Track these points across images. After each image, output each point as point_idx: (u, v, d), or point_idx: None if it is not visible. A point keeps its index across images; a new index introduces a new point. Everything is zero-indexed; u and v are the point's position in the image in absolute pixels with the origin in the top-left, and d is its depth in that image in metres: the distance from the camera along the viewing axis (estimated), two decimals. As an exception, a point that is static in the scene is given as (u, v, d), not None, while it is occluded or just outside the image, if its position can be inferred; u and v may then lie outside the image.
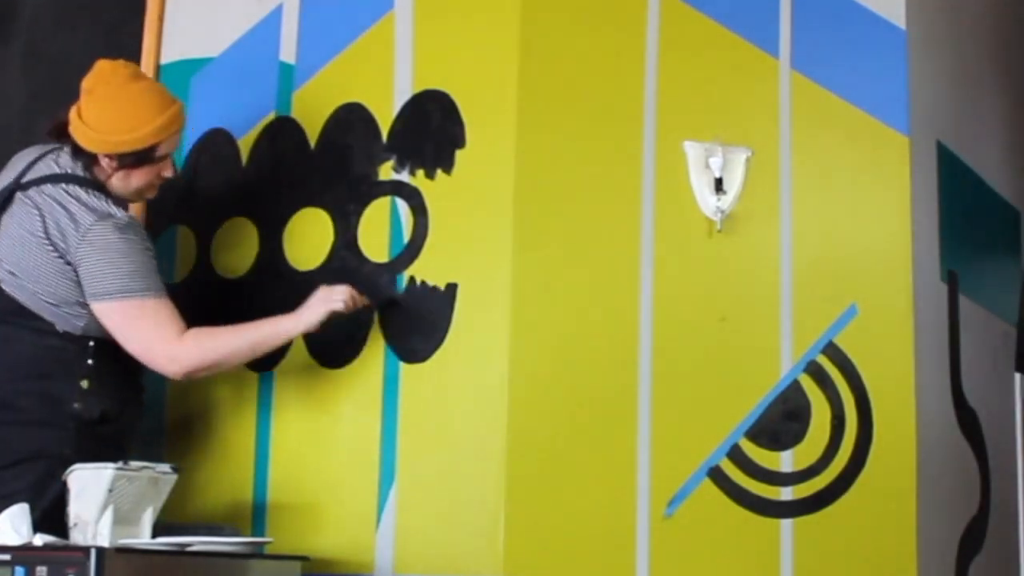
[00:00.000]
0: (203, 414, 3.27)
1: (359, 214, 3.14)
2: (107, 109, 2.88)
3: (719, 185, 3.05)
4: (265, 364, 3.19)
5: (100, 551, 2.37)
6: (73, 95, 3.00)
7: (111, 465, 2.59)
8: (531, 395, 2.93)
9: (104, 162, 2.91)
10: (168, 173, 3.00)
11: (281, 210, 3.25)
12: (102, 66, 2.93)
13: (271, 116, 3.32)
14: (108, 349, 2.89)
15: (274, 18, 3.37)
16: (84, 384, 2.84)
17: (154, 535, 2.66)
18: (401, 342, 3.04)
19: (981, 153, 3.85)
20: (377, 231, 3.12)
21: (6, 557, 2.40)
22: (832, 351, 3.07)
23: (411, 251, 3.07)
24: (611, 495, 2.93)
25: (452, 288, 3.01)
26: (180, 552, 2.62)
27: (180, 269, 3.35)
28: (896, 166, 3.17)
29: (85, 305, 2.84)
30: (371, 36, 3.22)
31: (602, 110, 3.06)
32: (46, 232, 2.83)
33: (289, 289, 3.19)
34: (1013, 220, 4.16)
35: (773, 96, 3.15)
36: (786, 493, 3.01)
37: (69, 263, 2.83)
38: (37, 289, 2.83)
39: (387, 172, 3.13)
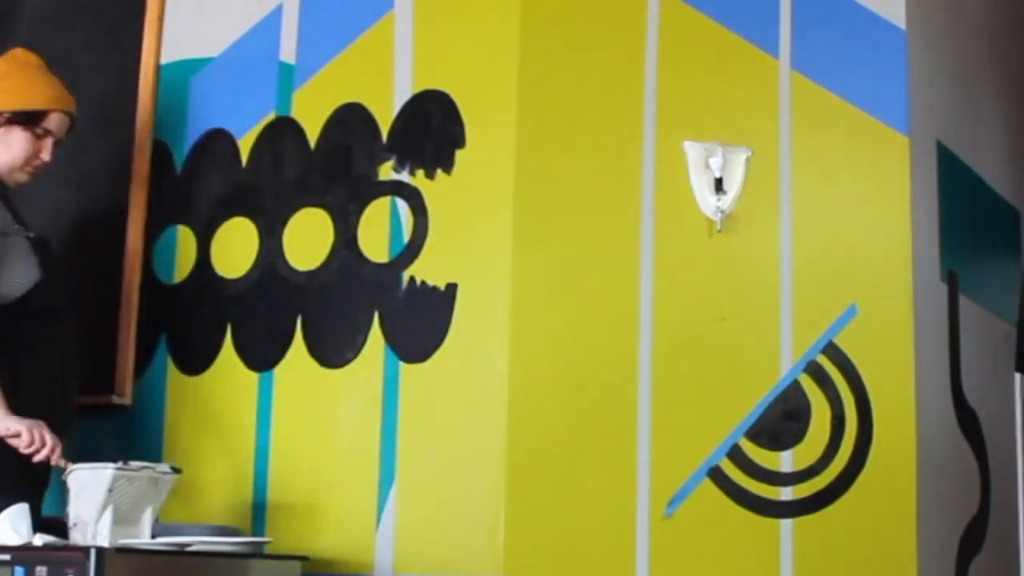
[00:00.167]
0: (203, 414, 3.27)
1: (359, 214, 3.15)
2: (10, 73, 2.96)
3: (719, 185, 3.05)
4: (265, 364, 3.19)
5: (100, 551, 2.37)
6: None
7: (111, 465, 2.59)
8: (531, 395, 2.93)
9: None
10: (46, 156, 2.97)
11: (281, 210, 3.25)
12: (16, 51, 3.03)
13: (271, 116, 3.32)
14: None
15: (274, 18, 3.37)
16: None
17: (154, 535, 2.66)
18: (401, 342, 3.04)
19: (981, 153, 3.85)
20: (377, 231, 3.12)
21: (6, 557, 2.40)
22: (832, 351, 3.07)
23: (411, 251, 3.07)
24: (611, 495, 2.93)
25: (452, 288, 3.01)
26: (180, 552, 2.62)
27: (180, 269, 3.35)
28: (896, 166, 3.17)
29: None
30: (371, 36, 3.22)
31: (602, 110, 3.07)
32: None
33: (289, 289, 3.19)
34: (1013, 220, 4.16)
35: (773, 96, 3.15)
36: (786, 493, 3.01)
37: None
38: None
39: (387, 172, 3.13)
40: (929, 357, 3.26)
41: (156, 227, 3.38)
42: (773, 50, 3.16)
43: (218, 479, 3.20)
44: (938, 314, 3.40)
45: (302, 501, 3.09)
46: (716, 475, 2.98)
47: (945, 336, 3.44)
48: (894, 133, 3.17)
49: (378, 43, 3.20)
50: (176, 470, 2.72)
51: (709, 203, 3.05)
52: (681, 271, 3.04)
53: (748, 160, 3.09)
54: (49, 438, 2.71)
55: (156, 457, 3.15)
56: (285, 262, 3.22)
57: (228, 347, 3.25)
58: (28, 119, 2.94)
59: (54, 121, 2.97)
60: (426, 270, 3.04)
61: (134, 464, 2.63)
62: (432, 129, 3.10)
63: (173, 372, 3.32)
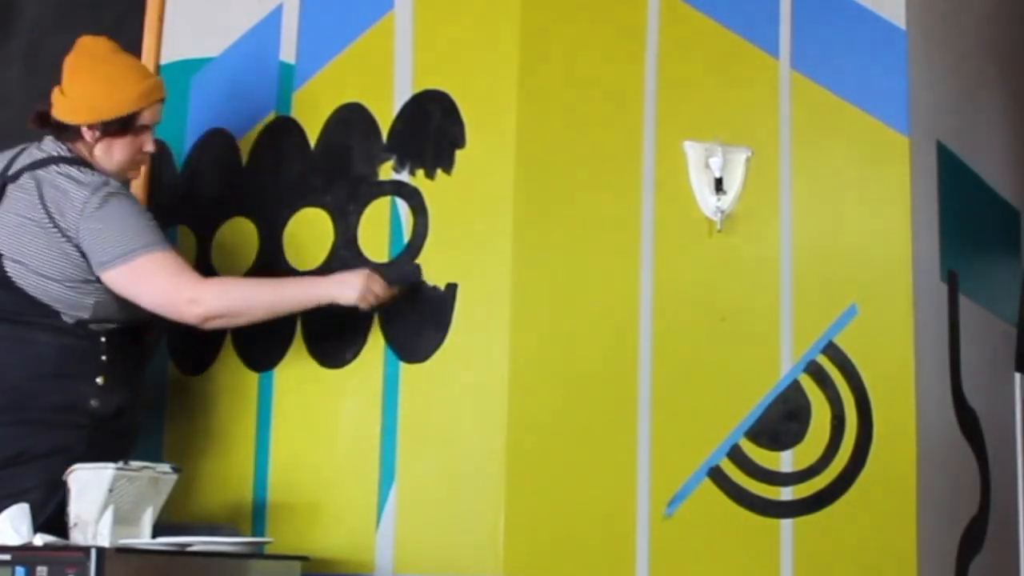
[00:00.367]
0: (203, 413, 3.27)
1: (359, 214, 3.14)
2: (90, 79, 2.94)
3: (719, 185, 3.05)
4: (265, 364, 3.19)
5: (100, 551, 2.37)
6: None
7: (111, 465, 2.59)
8: (531, 395, 2.93)
9: (87, 134, 2.94)
10: (149, 148, 3.02)
11: (281, 210, 3.25)
12: (84, 41, 3.00)
13: (271, 116, 3.32)
14: (119, 343, 2.91)
15: (274, 18, 3.37)
16: (100, 381, 2.86)
17: (154, 535, 2.66)
18: (401, 342, 3.04)
19: (981, 153, 3.85)
20: (377, 231, 3.12)
21: (6, 557, 2.40)
22: (832, 351, 3.07)
23: (411, 251, 3.07)
24: (611, 495, 2.93)
25: (452, 288, 3.01)
26: (180, 552, 2.62)
27: (180, 269, 3.35)
28: (896, 166, 3.17)
29: (92, 281, 2.86)
30: (371, 36, 3.22)
31: (602, 110, 3.07)
32: (47, 213, 2.85)
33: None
34: (1013, 220, 4.16)
35: (773, 96, 3.15)
36: (786, 493, 3.01)
37: (70, 239, 2.84)
38: (45, 272, 2.84)
39: (387, 172, 3.13)
40: (929, 357, 3.26)
41: (156, 227, 3.38)
42: (773, 50, 3.16)
43: (218, 479, 3.20)
44: (938, 314, 3.40)
45: (302, 501, 3.09)
46: (716, 475, 2.98)
47: (945, 336, 3.44)
48: (894, 133, 3.17)
49: (378, 43, 3.20)
50: (176, 470, 2.72)
51: (709, 203, 3.05)
52: (681, 271, 3.04)
53: (748, 160, 3.09)
54: (379, 290, 2.91)
55: (156, 457, 3.14)
56: (285, 262, 3.22)
57: (228, 347, 3.24)
58: (122, 126, 2.94)
59: (147, 115, 2.98)
60: (426, 270, 3.04)
61: (134, 464, 2.63)
62: (432, 129, 3.10)
63: (173, 372, 3.32)
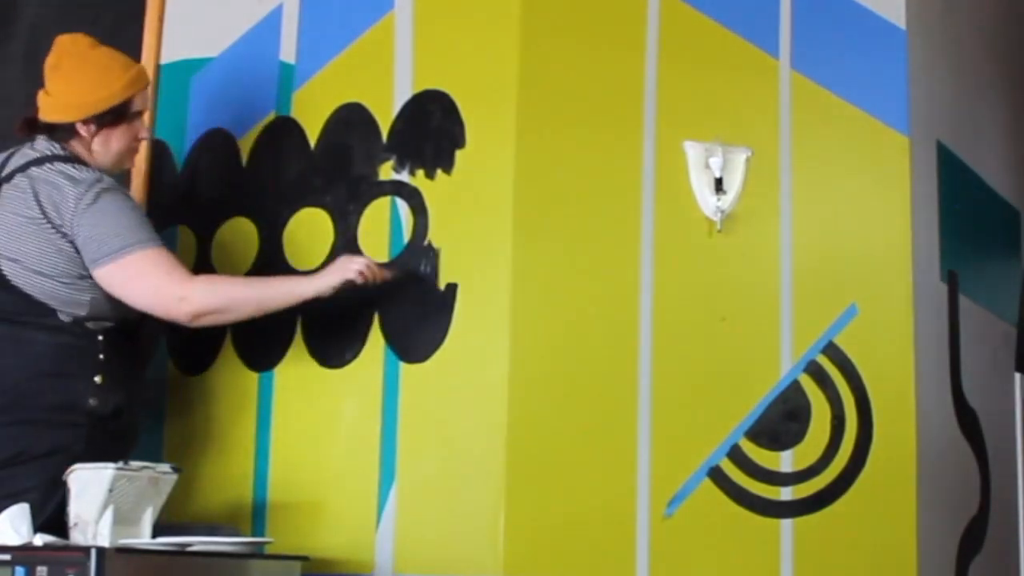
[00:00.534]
0: (203, 413, 3.27)
1: (359, 214, 3.14)
2: (78, 76, 2.96)
3: (719, 185, 3.05)
4: (265, 364, 3.19)
5: (100, 551, 2.37)
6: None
7: (111, 465, 2.59)
8: (531, 395, 2.93)
9: (83, 130, 2.95)
10: (143, 135, 3.06)
11: (281, 210, 3.25)
12: (61, 40, 3.02)
13: (271, 116, 3.32)
14: (117, 342, 2.91)
15: (274, 18, 3.37)
16: (98, 380, 2.86)
17: (154, 535, 2.66)
18: (401, 342, 3.04)
19: (981, 153, 3.85)
20: (377, 231, 3.12)
21: (6, 557, 2.40)
22: (832, 351, 3.07)
23: (411, 251, 3.07)
24: (611, 495, 2.93)
25: (452, 288, 3.00)
26: (180, 552, 2.62)
27: (180, 269, 3.35)
28: (896, 166, 3.17)
29: (87, 277, 2.86)
30: (371, 36, 3.22)
31: (602, 110, 3.06)
32: (42, 211, 2.85)
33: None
34: (1013, 220, 4.16)
35: (773, 96, 3.15)
36: (786, 493, 3.01)
37: (65, 235, 2.85)
38: (40, 269, 2.84)
39: (387, 172, 3.13)
40: (929, 357, 3.26)
41: (156, 227, 3.37)
42: (773, 50, 3.16)
43: (218, 479, 3.20)
44: (938, 314, 3.40)
45: (302, 501, 3.09)
46: (716, 475, 2.98)
47: (945, 336, 3.44)
48: (894, 133, 3.17)
49: (378, 43, 3.20)
50: (176, 470, 2.72)
51: (709, 203, 3.05)
52: (681, 271, 3.04)
53: (748, 160, 3.09)
54: (362, 260, 2.93)
55: (156, 457, 3.14)
56: (285, 262, 3.22)
57: (228, 347, 3.24)
58: (116, 116, 2.97)
59: (138, 101, 3.01)
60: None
61: (134, 464, 2.63)
62: (432, 129, 3.10)
63: (173, 372, 3.32)
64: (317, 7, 3.32)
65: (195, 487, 3.17)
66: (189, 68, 3.46)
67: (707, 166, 3.05)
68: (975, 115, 3.90)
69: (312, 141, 3.25)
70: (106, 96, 2.95)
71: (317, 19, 3.31)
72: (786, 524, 3.00)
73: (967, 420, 3.56)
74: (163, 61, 3.49)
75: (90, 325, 2.88)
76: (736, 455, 2.99)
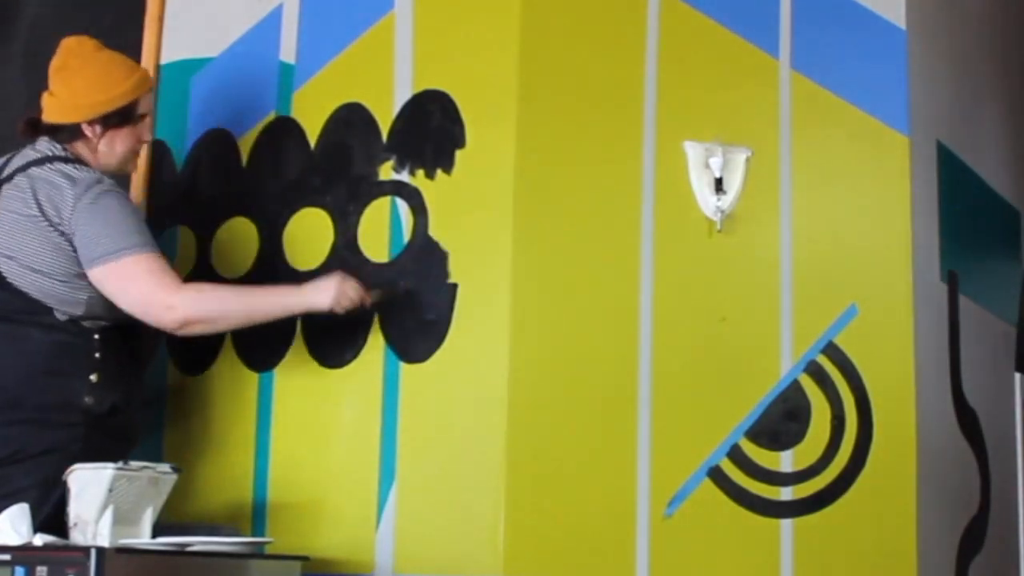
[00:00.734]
0: (203, 413, 3.27)
1: (359, 214, 3.14)
2: (83, 77, 2.97)
3: (719, 185, 3.05)
4: (265, 364, 3.19)
5: (100, 551, 2.37)
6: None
7: (111, 465, 2.59)
8: (531, 395, 2.93)
9: (88, 131, 2.96)
10: (148, 136, 3.08)
11: (281, 210, 3.25)
12: (67, 43, 3.03)
13: (271, 116, 3.32)
14: (113, 341, 2.91)
15: (274, 18, 3.37)
16: (94, 378, 2.86)
17: (154, 535, 2.66)
18: (401, 342, 3.04)
19: (981, 153, 3.85)
20: (377, 231, 3.12)
21: (6, 557, 2.40)
22: (832, 351, 3.07)
23: (411, 251, 3.07)
24: (611, 495, 2.93)
25: (452, 288, 3.01)
26: (180, 552, 2.62)
27: (180, 269, 3.34)
28: (896, 166, 3.17)
29: (84, 276, 2.86)
30: (371, 36, 3.22)
31: (602, 110, 3.06)
32: (40, 209, 2.86)
33: (289, 289, 3.19)
34: (1013, 220, 4.16)
35: (773, 96, 3.15)
36: (786, 493, 3.01)
37: (64, 234, 2.85)
38: (38, 267, 2.84)
39: (387, 172, 3.13)
40: (929, 357, 3.26)
41: (156, 227, 3.37)
42: (773, 50, 3.16)
43: (218, 479, 3.20)
44: (938, 314, 3.40)
45: (302, 501, 3.09)
46: (716, 475, 2.98)
47: (945, 336, 3.44)
48: (894, 133, 3.17)
49: (378, 43, 3.20)
50: (176, 470, 2.72)
51: (709, 203, 3.05)
52: (681, 271, 3.04)
53: (748, 160, 3.09)
54: (353, 294, 2.92)
55: (156, 457, 3.15)
56: (285, 262, 3.22)
57: (228, 347, 3.24)
58: (122, 118, 2.98)
59: (143, 104, 3.02)
60: (426, 269, 3.04)
61: (134, 464, 2.63)
62: (432, 129, 3.10)
63: (173, 372, 3.33)
64: (317, 7, 3.32)
65: (195, 487, 3.17)
66: (189, 68, 3.46)
67: (707, 166, 3.05)
68: (975, 115, 3.90)
69: (312, 141, 3.25)
70: (112, 98, 2.96)
71: (317, 19, 3.31)
72: (786, 524, 3.00)
73: (967, 420, 3.56)
74: (163, 61, 3.49)
75: (86, 324, 2.88)
76: (736, 455, 2.99)
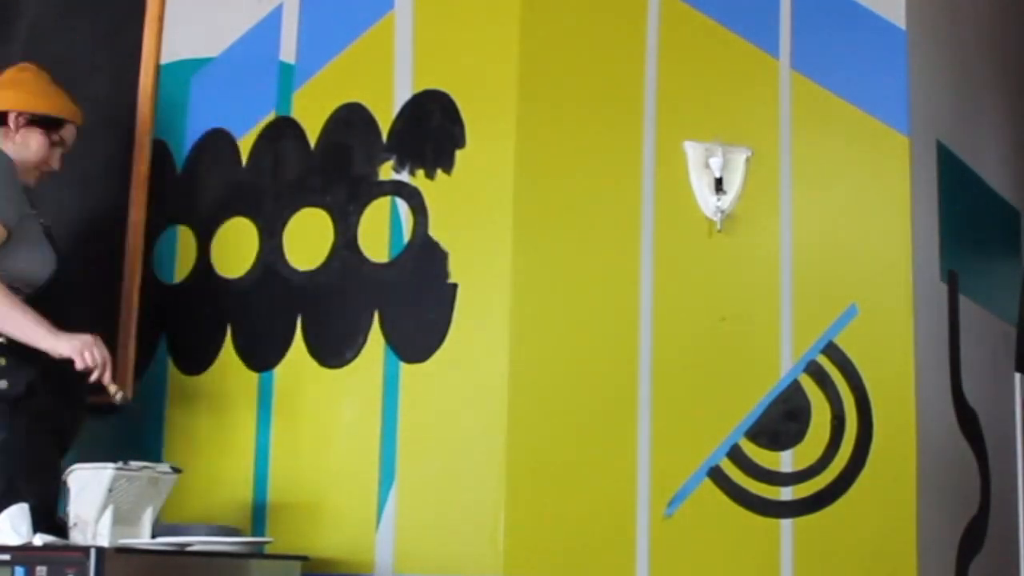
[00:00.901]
0: (203, 414, 3.27)
1: (359, 214, 3.14)
2: (32, 80, 3.06)
3: (719, 185, 3.05)
4: (265, 364, 3.19)
5: (100, 551, 2.37)
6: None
7: (111, 465, 2.59)
8: (531, 395, 2.93)
9: (12, 120, 2.98)
10: (56, 164, 3.05)
11: (281, 210, 3.25)
12: (25, 64, 3.12)
13: (271, 116, 3.32)
14: None
15: (274, 18, 3.37)
16: (2, 362, 2.83)
17: (154, 535, 2.66)
18: (401, 342, 3.04)
19: (981, 153, 3.85)
20: (377, 231, 3.12)
21: (6, 557, 2.40)
22: (832, 351, 3.07)
23: (411, 251, 3.07)
24: (611, 495, 2.93)
25: (452, 288, 3.01)
26: (180, 552, 2.62)
27: (180, 269, 3.35)
28: (896, 166, 3.17)
29: None
30: (371, 36, 3.22)
31: (602, 110, 3.06)
32: None
33: (289, 289, 3.19)
34: (1013, 220, 4.16)
35: (773, 96, 3.15)
36: (786, 493, 3.01)
37: None
38: None
39: (387, 172, 3.13)
40: (929, 357, 3.26)
41: (156, 227, 3.38)
42: (773, 50, 3.16)
43: (218, 479, 3.20)
44: (938, 314, 3.40)
45: (302, 501, 3.09)
46: (716, 475, 2.98)
47: (945, 336, 3.44)
48: (894, 133, 3.17)
49: (378, 43, 3.20)
50: (176, 470, 2.72)
51: (709, 203, 3.05)
52: (681, 271, 3.04)
53: (748, 160, 3.09)
54: (99, 354, 2.79)
55: (156, 457, 3.15)
56: (285, 262, 3.22)
57: (228, 347, 3.25)
58: (48, 124, 3.02)
59: (68, 132, 3.06)
60: (426, 270, 3.04)
61: (134, 464, 2.64)
62: (432, 129, 3.10)
63: (173, 372, 3.32)
64: (317, 7, 3.32)
65: (195, 487, 3.16)
66: (189, 68, 3.46)
67: (707, 166, 3.05)
68: (975, 115, 3.90)
69: (312, 141, 3.25)
70: (48, 104, 3.02)
71: (317, 19, 3.31)
72: (786, 524, 3.00)
73: (967, 420, 3.56)
74: (163, 61, 3.48)
75: None
76: (736, 455, 2.99)
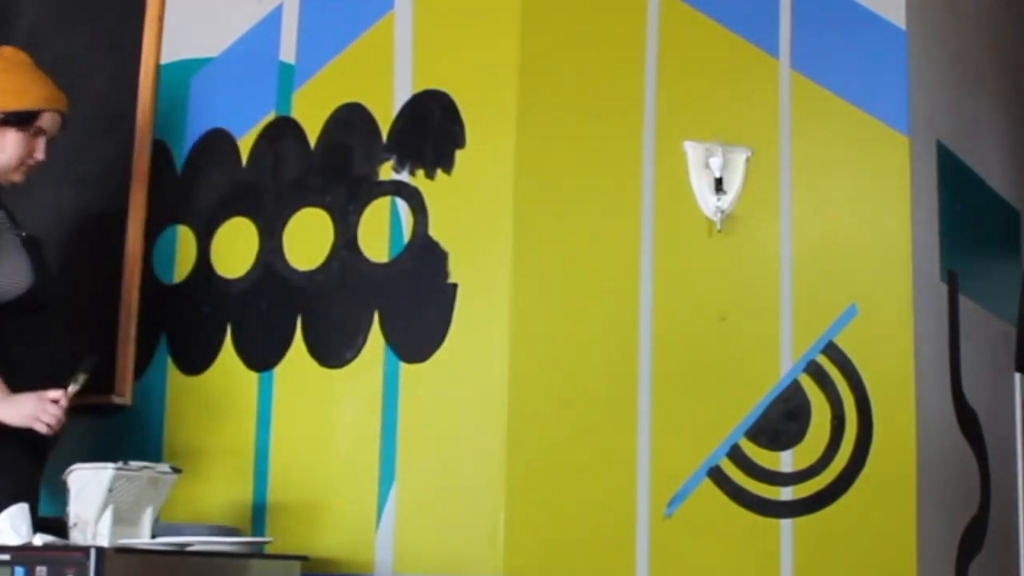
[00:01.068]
0: (203, 414, 3.27)
1: (359, 214, 3.15)
2: (2, 74, 2.94)
3: (719, 185, 3.05)
4: (265, 364, 3.19)
5: (100, 551, 2.36)
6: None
7: (111, 465, 2.59)
8: (531, 395, 2.93)
9: None
10: (40, 155, 2.97)
11: (281, 210, 3.25)
12: (3, 49, 3.02)
13: (271, 116, 3.32)
14: None
15: (274, 18, 3.37)
16: None
17: (154, 535, 2.66)
18: (401, 342, 3.04)
19: (981, 153, 3.85)
20: (377, 231, 3.12)
21: (6, 557, 2.40)
22: (832, 351, 3.07)
23: (411, 251, 3.07)
24: (611, 495, 2.93)
25: (452, 288, 3.01)
26: (180, 552, 2.62)
27: (180, 269, 3.36)
28: (896, 166, 3.17)
29: None
30: (371, 36, 3.22)
31: (602, 110, 3.07)
32: None
33: (289, 289, 3.19)
34: (1013, 220, 4.16)
35: (773, 96, 3.15)
36: (786, 493, 3.01)
37: None
38: None
39: (387, 172, 3.14)
40: (929, 357, 3.26)
41: (156, 227, 3.38)
42: (773, 50, 3.16)
43: (218, 479, 3.20)
44: (938, 314, 3.40)
45: (302, 501, 3.09)
46: (716, 475, 2.98)
47: (945, 336, 3.44)
48: (894, 133, 3.17)
49: (378, 43, 3.20)
50: (176, 470, 2.72)
51: (709, 203, 3.05)
52: (681, 271, 3.04)
53: (748, 160, 3.09)
54: (52, 411, 2.74)
55: (156, 457, 3.15)
56: (285, 262, 3.22)
57: (228, 347, 3.25)
58: (21, 120, 2.93)
59: (47, 120, 2.97)
60: (426, 269, 3.04)
61: (134, 464, 2.63)
62: (432, 129, 3.10)
63: (173, 372, 3.32)
64: (317, 7, 3.32)
65: (195, 487, 3.16)
66: (189, 68, 3.46)
67: (707, 166, 3.06)
68: (975, 115, 3.90)
69: (312, 141, 3.25)
70: (17, 98, 2.93)
71: (317, 19, 3.31)
72: (786, 524, 3.00)
73: (967, 420, 3.56)
74: (163, 61, 3.48)
75: None
76: (736, 455, 2.99)
